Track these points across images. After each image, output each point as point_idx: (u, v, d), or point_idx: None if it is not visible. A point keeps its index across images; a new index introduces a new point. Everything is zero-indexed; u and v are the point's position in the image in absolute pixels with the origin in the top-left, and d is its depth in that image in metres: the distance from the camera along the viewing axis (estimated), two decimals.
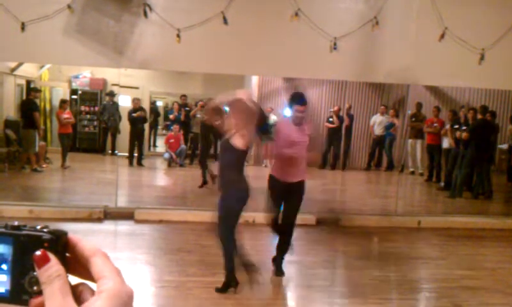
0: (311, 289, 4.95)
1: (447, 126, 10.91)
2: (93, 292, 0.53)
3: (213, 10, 6.66)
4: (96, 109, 14.04)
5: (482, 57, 7.15)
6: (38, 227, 0.54)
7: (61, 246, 0.54)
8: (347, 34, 6.92)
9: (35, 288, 0.52)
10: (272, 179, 5.12)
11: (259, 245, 6.45)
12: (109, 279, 0.53)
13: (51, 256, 0.52)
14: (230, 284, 4.62)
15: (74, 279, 0.55)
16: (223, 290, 4.61)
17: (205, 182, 9.52)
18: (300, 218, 7.39)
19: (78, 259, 0.55)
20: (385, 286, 5.17)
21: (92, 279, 0.54)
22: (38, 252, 0.52)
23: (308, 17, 6.83)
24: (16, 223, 0.54)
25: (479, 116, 9.76)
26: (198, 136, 11.17)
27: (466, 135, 9.73)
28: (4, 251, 0.53)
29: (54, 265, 0.52)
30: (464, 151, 9.89)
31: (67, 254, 0.55)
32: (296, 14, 6.81)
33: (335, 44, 6.92)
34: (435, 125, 11.40)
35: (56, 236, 0.54)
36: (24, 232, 0.53)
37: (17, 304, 0.53)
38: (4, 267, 0.54)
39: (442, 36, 7.04)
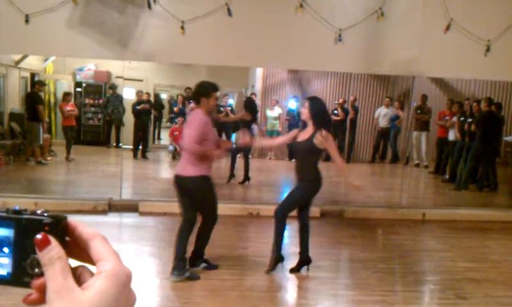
0: (315, 281, 4.95)
1: (454, 119, 10.85)
2: (91, 274, 0.55)
3: (217, 2, 6.64)
4: (101, 101, 14.06)
5: (488, 49, 7.10)
6: (38, 211, 0.55)
7: (61, 230, 0.55)
8: (352, 25, 6.89)
9: (36, 270, 0.54)
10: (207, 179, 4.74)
11: (263, 237, 6.46)
12: (108, 261, 0.54)
13: (52, 239, 0.53)
14: (304, 263, 5.00)
15: (73, 262, 0.56)
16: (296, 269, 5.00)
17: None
18: None
19: (77, 242, 0.56)
20: (389, 278, 5.17)
21: (91, 262, 0.56)
22: (39, 236, 0.53)
23: (313, 9, 6.80)
24: (17, 208, 0.55)
25: (484, 107, 9.70)
26: None
27: (474, 127, 9.70)
28: (5, 235, 0.55)
29: (54, 247, 0.53)
30: (469, 144, 9.85)
31: (67, 238, 0.56)
32: (301, 5, 6.78)
33: (339, 36, 6.89)
34: (447, 117, 11.31)
35: (56, 220, 0.55)
36: (25, 216, 0.55)
37: (19, 286, 0.55)
38: (6, 250, 0.55)
39: (448, 28, 7.00)
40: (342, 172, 4.92)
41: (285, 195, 5.01)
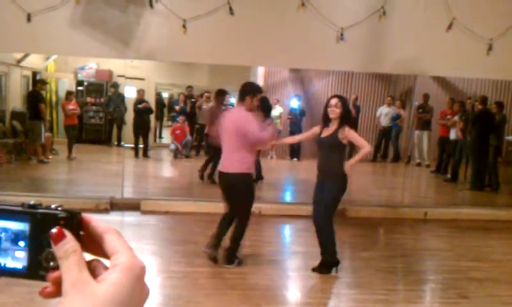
0: (317, 279, 4.95)
1: (455, 118, 10.84)
2: (106, 267, 0.56)
3: (219, 0, 6.63)
4: (102, 100, 14.06)
5: (490, 48, 7.09)
6: (53, 206, 0.56)
7: (76, 224, 0.56)
8: (354, 24, 6.88)
9: (52, 263, 0.55)
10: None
11: (265, 236, 6.46)
12: (123, 254, 0.55)
13: (67, 232, 0.54)
14: (333, 265, 4.98)
15: (88, 256, 0.57)
16: (325, 270, 4.97)
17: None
18: (306, 209, 7.41)
19: (91, 236, 0.57)
20: (391, 277, 5.17)
21: (105, 255, 0.57)
22: (55, 230, 0.54)
23: (314, 7, 6.79)
24: (32, 202, 0.57)
25: (478, 106, 9.80)
26: (204, 127, 11.12)
27: (462, 125, 9.87)
28: (21, 229, 0.56)
29: (69, 241, 0.54)
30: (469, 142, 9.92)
31: (81, 232, 0.57)
32: (303, 4, 6.77)
33: (341, 34, 6.88)
34: (448, 117, 11.29)
35: (70, 214, 0.56)
36: (40, 211, 0.56)
37: (34, 279, 0.56)
38: (22, 244, 0.56)
39: (450, 27, 6.98)
40: (363, 154, 4.92)
41: (319, 200, 4.94)
